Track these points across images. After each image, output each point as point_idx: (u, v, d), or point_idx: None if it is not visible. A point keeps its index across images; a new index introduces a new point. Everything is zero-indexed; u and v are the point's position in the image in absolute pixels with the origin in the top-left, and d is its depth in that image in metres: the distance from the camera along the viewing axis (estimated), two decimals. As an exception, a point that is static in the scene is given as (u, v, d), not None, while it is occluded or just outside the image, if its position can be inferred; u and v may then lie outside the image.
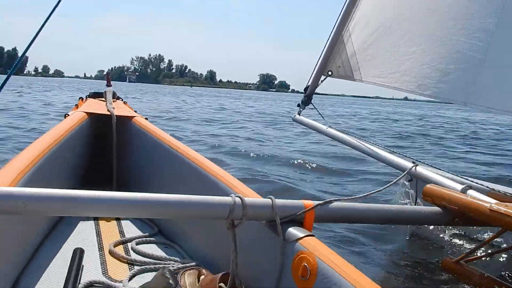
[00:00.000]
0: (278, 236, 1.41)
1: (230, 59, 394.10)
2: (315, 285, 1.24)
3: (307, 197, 4.23)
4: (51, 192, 1.25)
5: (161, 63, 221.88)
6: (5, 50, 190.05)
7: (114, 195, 1.33)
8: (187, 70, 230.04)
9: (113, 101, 3.26)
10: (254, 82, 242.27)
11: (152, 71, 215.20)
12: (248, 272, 1.53)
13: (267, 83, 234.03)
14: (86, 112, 2.86)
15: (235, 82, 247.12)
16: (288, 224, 1.45)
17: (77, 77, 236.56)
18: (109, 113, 2.89)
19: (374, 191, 1.96)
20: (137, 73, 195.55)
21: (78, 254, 1.44)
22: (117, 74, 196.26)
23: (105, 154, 2.87)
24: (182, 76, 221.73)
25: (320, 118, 3.57)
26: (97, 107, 3.08)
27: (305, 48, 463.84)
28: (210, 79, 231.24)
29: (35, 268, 1.75)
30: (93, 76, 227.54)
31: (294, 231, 1.41)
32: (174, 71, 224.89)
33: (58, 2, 1.40)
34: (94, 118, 2.89)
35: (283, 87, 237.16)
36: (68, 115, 2.82)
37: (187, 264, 1.84)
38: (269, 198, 1.48)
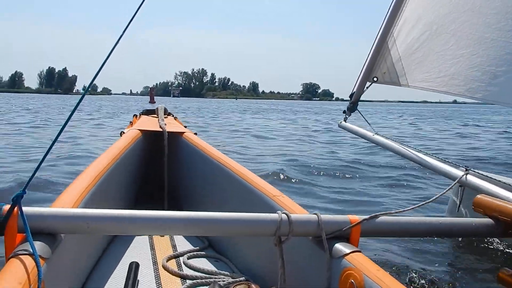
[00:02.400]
0: (324, 252, 1.42)
1: (272, 69, 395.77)
2: None
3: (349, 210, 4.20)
4: (111, 213, 1.35)
5: (204, 77, 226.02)
6: (56, 70, 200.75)
7: (168, 214, 1.40)
8: (230, 82, 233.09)
9: (165, 117, 3.37)
10: (297, 92, 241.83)
11: (196, 85, 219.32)
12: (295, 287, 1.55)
13: (310, 92, 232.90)
14: (140, 130, 2.96)
15: (278, 92, 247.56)
16: (334, 239, 1.45)
17: (123, 94, 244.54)
18: (161, 130, 2.98)
19: (422, 203, 1.89)
20: (180, 88, 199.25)
21: (134, 268, 1.52)
22: (162, 90, 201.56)
23: (157, 169, 2.96)
24: (225, 88, 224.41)
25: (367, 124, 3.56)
26: (150, 123, 3.19)
27: (349, 55, 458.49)
28: (253, 91, 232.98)
29: (95, 280, 1.85)
30: (139, 92, 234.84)
31: (341, 247, 1.41)
32: (217, 84, 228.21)
33: (129, 23, 1.51)
34: (147, 135, 2.99)
35: (327, 95, 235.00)
36: (124, 132, 2.93)
37: (237, 279, 1.88)
38: (314, 214, 1.49)
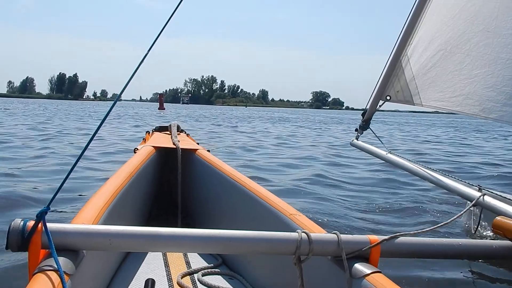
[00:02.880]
0: (344, 272, 1.40)
1: (281, 77, 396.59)
2: None
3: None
4: (133, 230, 1.35)
5: (214, 84, 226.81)
6: (67, 76, 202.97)
7: (192, 232, 1.40)
8: (239, 90, 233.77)
9: (178, 134, 3.39)
10: (307, 100, 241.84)
11: (205, 92, 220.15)
12: None
13: (320, 100, 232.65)
14: (153, 146, 2.98)
15: (287, 100, 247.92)
16: (354, 259, 1.44)
17: (133, 100, 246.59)
18: (174, 146, 3.00)
19: (441, 224, 1.88)
20: (190, 95, 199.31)
21: (150, 285, 1.53)
22: (171, 96, 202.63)
23: (171, 185, 2.98)
24: (235, 96, 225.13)
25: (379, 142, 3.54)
26: (163, 140, 3.22)
27: (359, 64, 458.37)
28: (262, 98, 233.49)
29: None
30: (148, 98, 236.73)
31: (361, 267, 1.40)
32: (226, 91, 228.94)
33: (161, 31, 1.52)
34: (161, 152, 3.01)
35: (337, 104, 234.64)
36: (137, 149, 2.95)
37: None
38: (334, 233, 1.48)
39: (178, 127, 3.52)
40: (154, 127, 3.69)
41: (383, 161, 3.49)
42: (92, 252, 1.45)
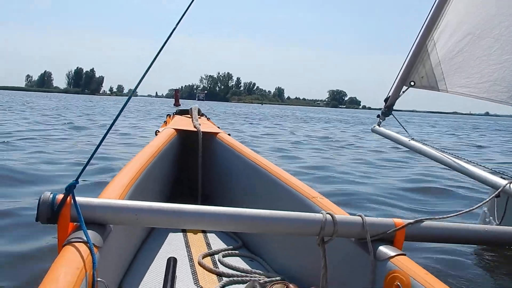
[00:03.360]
0: (368, 254, 1.40)
1: (297, 75, 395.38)
2: None
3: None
4: (159, 206, 1.35)
5: (229, 81, 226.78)
6: (84, 71, 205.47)
7: (219, 210, 1.39)
8: (255, 87, 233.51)
9: (198, 118, 3.40)
10: (323, 99, 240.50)
11: (221, 89, 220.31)
12: None
13: (336, 99, 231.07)
14: (175, 129, 3.00)
15: (303, 99, 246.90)
16: (378, 242, 1.43)
17: (149, 95, 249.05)
18: (195, 129, 3.01)
19: (466, 210, 1.83)
20: (205, 91, 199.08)
21: (172, 263, 1.52)
22: (187, 93, 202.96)
23: (191, 167, 2.98)
24: (250, 93, 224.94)
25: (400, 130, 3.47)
26: (184, 123, 3.23)
27: (378, 63, 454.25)
28: (278, 96, 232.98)
29: (135, 272, 1.87)
30: (164, 94, 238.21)
31: (385, 249, 1.40)
32: (242, 88, 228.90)
33: (177, 24, 1.51)
34: (182, 134, 3.03)
35: (354, 103, 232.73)
36: (159, 131, 2.97)
37: (273, 278, 1.85)
38: (359, 215, 1.47)
39: (199, 110, 3.51)
40: (175, 111, 3.70)
41: None
42: (117, 227, 1.46)
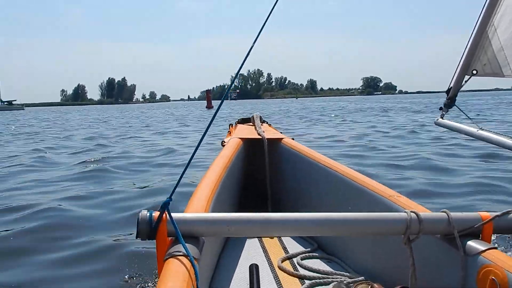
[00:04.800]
0: (457, 250, 1.39)
1: (329, 65, 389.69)
2: None
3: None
4: (248, 216, 1.40)
5: (261, 78, 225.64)
6: (116, 81, 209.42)
7: (304, 216, 1.42)
8: (287, 81, 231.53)
9: (261, 125, 3.46)
10: (357, 87, 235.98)
11: (252, 87, 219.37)
12: (425, 287, 1.52)
13: (371, 86, 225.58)
14: (240, 138, 3.07)
15: (337, 89, 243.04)
16: (465, 237, 1.42)
17: (182, 99, 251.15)
18: (260, 137, 3.07)
19: None
20: (237, 90, 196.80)
21: (255, 270, 1.57)
22: (219, 93, 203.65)
23: (259, 174, 3.04)
24: (282, 88, 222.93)
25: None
26: (248, 132, 3.31)
27: (410, 47, 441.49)
28: (311, 89, 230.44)
29: (219, 280, 1.93)
30: (196, 97, 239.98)
31: (474, 244, 1.38)
32: (273, 84, 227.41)
33: (260, 32, 1.56)
34: (248, 143, 3.09)
35: (390, 88, 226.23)
36: (225, 141, 3.05)
37: (356, 279, 1.86)
38: (443, 211, 1.46)
39: (260, 118, 3.57)
40: (237, 120, 3.80)
41: None
42: (208, 239, 1.52)
